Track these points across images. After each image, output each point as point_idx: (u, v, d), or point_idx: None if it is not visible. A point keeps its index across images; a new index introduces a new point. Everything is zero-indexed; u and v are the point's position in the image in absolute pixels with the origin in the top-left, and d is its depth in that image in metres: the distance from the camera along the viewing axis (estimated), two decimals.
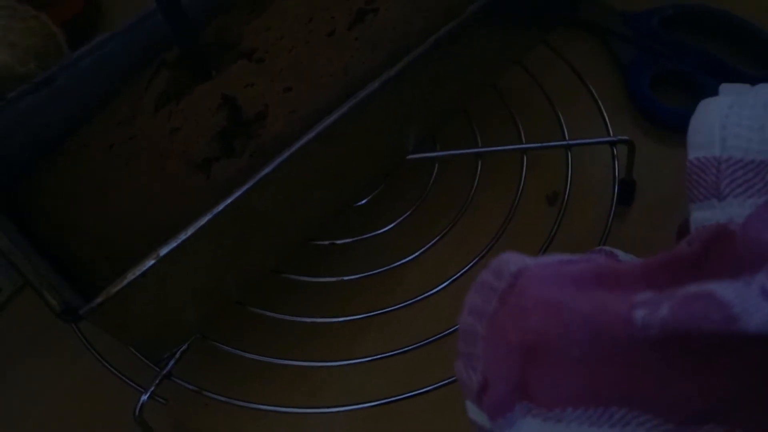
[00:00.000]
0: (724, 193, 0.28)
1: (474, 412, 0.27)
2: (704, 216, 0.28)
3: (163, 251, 0.29)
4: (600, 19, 0.52)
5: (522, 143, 0.43)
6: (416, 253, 0.41)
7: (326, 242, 0.41)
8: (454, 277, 0.40)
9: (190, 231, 0.30)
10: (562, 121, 0.44)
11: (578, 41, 0.52)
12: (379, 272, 0.40)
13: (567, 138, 0.43)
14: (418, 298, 0.39)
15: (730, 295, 0.20)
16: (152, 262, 0.29)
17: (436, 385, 0.36)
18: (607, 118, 0.43)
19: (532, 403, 0.25)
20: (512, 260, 0.25)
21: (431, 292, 0.39)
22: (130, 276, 0.29)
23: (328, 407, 0.36)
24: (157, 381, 0.36)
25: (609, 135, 0.43)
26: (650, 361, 0.24)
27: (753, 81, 0.46)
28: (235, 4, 0.40)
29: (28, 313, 0.43)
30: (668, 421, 0.24)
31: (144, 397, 0.35)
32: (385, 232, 0.42)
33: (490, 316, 0.25)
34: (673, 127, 0.47)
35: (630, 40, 0.51)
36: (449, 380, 0.36)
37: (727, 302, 0.20)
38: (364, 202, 0.42)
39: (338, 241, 0.41)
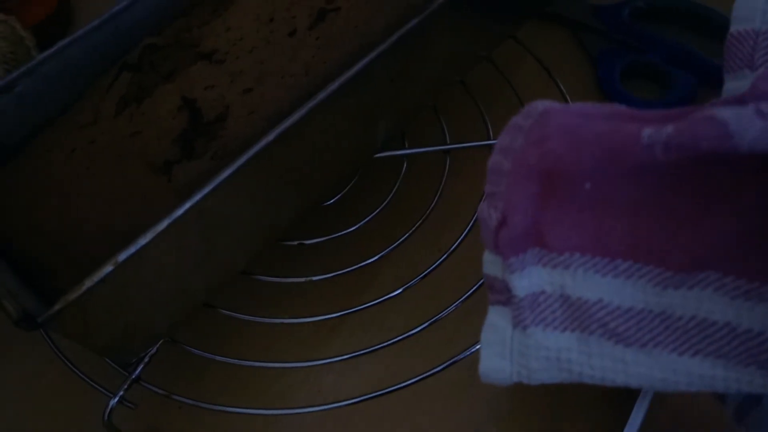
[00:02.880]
0: (758, 63, 0.29)
1: (489, 262, 0.28)
2: (736, 86, 0.30)
3: (122, 257, 0.29)
4: (570, 11, 0.52)
5: (490, 139, 0.43)
6: (386, 250, 0.41)
7: (295, 242, 0.41)
8: (425, 273, 0.40)
9: (149, 236, 0.30)
10: None
11: (548, 34, 0.52)
12: (349, 271, 0.40)
13: None
14: (390, 295, 0.39)
15: (728, 114, 0.22)
16: (110, 268, 0.29)
17: (409, 382, 0.36)
18: None
19: (544, 248, 0.27)
20: (541, 103, 0.26)
21: (402, 288, 0.39)
22: (88, 283, 0.29)
23: (300, 408, 0.36)
24: (125, 386, 0.36)
25: None
26: (655, 204, 0.25)
27: (721, 72, 0.46)
28: (196, 4, 0.40)
29: None
30: (668, 269, 0.26)
31: (113, 402, 0.35)
32: (354, 230, 0.41)
33: (516, 150, 0.26)
34: None
35: (600, 32, 0.51)
36: (422, 376, 0.36)
37: (724, 120, 0.22)
38: (332, 201, 0.42)
39: (307, 242, 0.41)
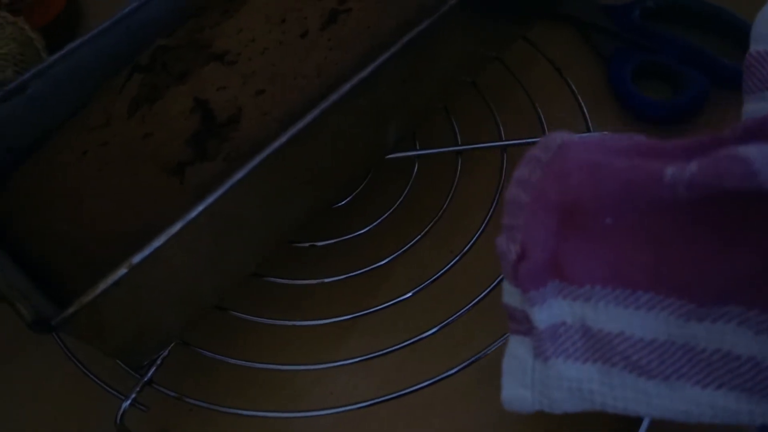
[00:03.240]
0: None
1: (508, 292, 0.28)
2: (755, 108, 0.29)
3: (136, 260, 0.29)
4: (581, 12, 0.52)
5: (502, 140, 0.43)
6: (398, 252, 0.40)
7: (306, 244, 0.41)
8: (438, 275, 0.39)
9: (162, 239, 0.30)
10: (542, 116, 0.44)
11: (559, 35, 0.51)
12: (361, 273, 0.40)
13: (547, 133, 0.42)
14: (402, 297, 0.39)
15: (752, 153, 0.22)
16: (124, 271, 0.29)
17: (422, 384, 0.36)
18: (586, 113, 0.43)
19: (564, 281, 0.27)
20: (559, 135, 0.27)
21: (415, 290, 0.39)
22: (102, 285, 0.29)
23: (313, 411, 0.36)
24: (137, 388, 0.36)
25: (589, 130, 0.42)
26: (677, 237, 0.25)
27: (733, 71, 0.46)
28: (208, 5, 0.40)
29: (9, 321, 0.42)
30: (691, 302, 0.26)
31: (125, 405, 0.35)
32: (366, 232, 0.41)
33: (535, 184, 0.26)
34: (655, 118, 0.46)
35: (611, 33, 0.51)
36: (436, 379, 0.36)
37: (748, 158, 0.22)
38: (344, 202, 0.42)
39: (319, 243, 0.41)
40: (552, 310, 0.27)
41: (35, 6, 0.56)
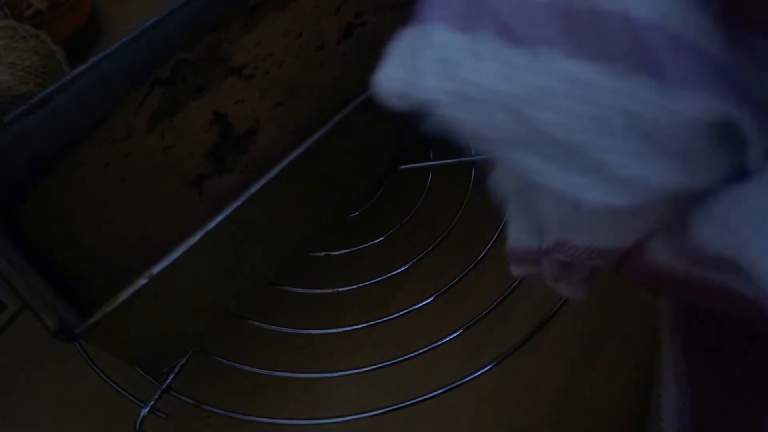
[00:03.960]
0: None
1: None
2: None
3: (156, 270, 0.30)
4: None
5: None
6: (412, 262, 0.41)
7: (322, 254, 0.41)
8: (451, 284, 0.40)
9: (181, 249, 0.30)
10: None
11: None
12: (375, 282, 0.41)
13: None
14: (416, 306, 0.40)
15: None
16: (145, 281, 0.30)
17: (435, 393, 0.36)
18: None
19: None
20: None
21: (428, 300, 0.40)
22: (124, 295, 0.29)
23: (328, 418, 0.36)
24: (156, 395, 0.36)
25: None
26: None
27: None
28: (228, 19, 0.41)
29: (32, 330, 0.43)
30: None
31: (144, 411, 0.36)
32: (380, 242, 0.42)
33: None
34: None
35: None
36: (449, 387, 0.36)
37: None
38: (359, 212, 0.43)
39: (334, 253, 0.41)
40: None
41: (57, 19, 0.57)
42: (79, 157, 0.37)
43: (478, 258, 0.40)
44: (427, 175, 0.44)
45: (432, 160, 0.44)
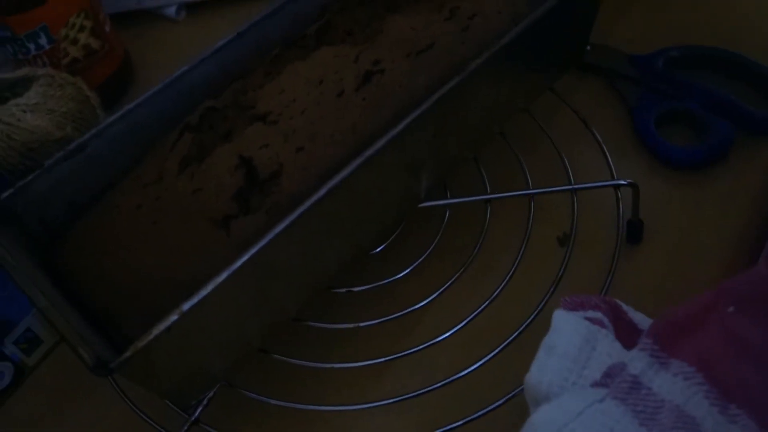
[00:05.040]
0: None
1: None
2: None
3: (186, 307, 0.32)
4: (606, 62, 0.54)
5: (529, 188, 0.45)
6: (431, 297, 0.42)
7: (344, 290, 0.43)
8: (469, 319, 0.41)
9: (210, 287, 0.32)
10: (568, 165, 0.45)
11: (585, 84, 0.54)
12: (396, 317, 0.42)
13: (572, 182, 0.44)
14: (435, 340, 0.41)
15: None
16: (175, 317, 0.31)
17: (455, 424, 0.37)
18: (611, 161, 0.45)
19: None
20: None
21: (447, 333, 0.41)
22: (155, 331, 0.31)
23: None
24: (185, 427, 0.38)
25: (613, 178, 0.44)
26: None
27: (756, 117, 0.48)
28: (253, 67, 0.43)
29: (67, 363, 0.45)
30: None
31: None
32: (400, 277, 0.43)
33: None
34: (679, 164, 0.48)
35: (636, 81, 0.53)
36: (469, 419, 0.37)
37: None
38: (379, 249, 0.44)
39: (355, 288, 0.43)
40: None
41: (92, 66, 0.60)
42: (113, 199, 0.39)
43: (496, 292, 0.41)
44: (445, 212, 0.45)
45: (449, 198, 0.45)
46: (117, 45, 0.62)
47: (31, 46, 0.56)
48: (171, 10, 0.69)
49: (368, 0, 0.44)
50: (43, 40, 0.56)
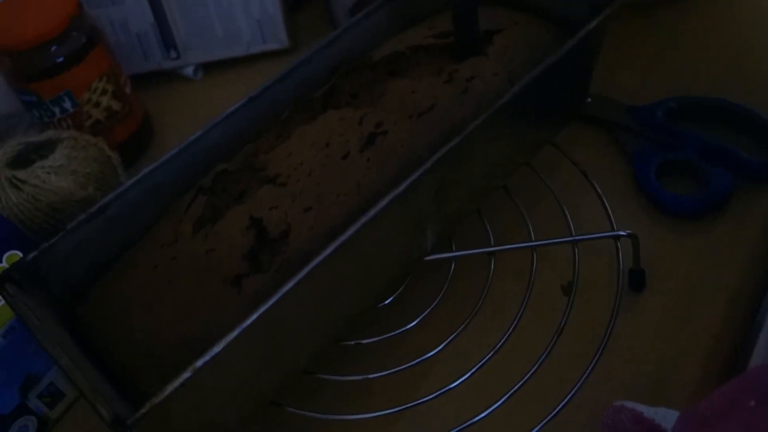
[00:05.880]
0: None
1: None
2: None
3: (199, 364, 0.33)
4: (608, 114, 0.56)
5: (531, 240, 0.46)
6: (438, 348, 0.43)
7: (352, 342, 0.44)
8: (476, 368, 0.42)
9: (221, 345, 0.34)
10: (569, 216, 0.47)
11: (586, 135, 0.55)
12: (405, 368, 0.43)
13: (573, 233, 0.46)
14: (443, 389, 0.42)
15: None
16: (189, 374, 0.33)
17: None
18: (611, 213, 0.46)
19: None
20: None
21: (456, 383, 0.42)
22: (170, 388, 0.33)
23: None
24: None
25: (613, 229, 0.45)
26: None
27: (755, 165, 0.49)
28: (263, 131, 0.45)
29: (88, 416, 0.47)
30: None
31: None
32: (408, 329, 0.45)
33: None
34: (679, 213, 0.49)
35: (636, 132, 0.54)
36: None
37: None
38: (387, 302, 0.46)
39: (364, 341, 0.44)
40: None
41: (114, 126, 0.62)
42: (131, 260, 0.41)
43: (501, 341, 0.43)
44: (450, 265, 0.47)
45: (454, 251, 0.47)
46: (137, 105, 0.65)
47: (56, 110, 0.59)
48: (189, 70, 0.72)
49: (373, 65, 0.47)
50: (67, 104, 0.59)
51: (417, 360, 0.43)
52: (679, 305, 0.45)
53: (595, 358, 0.41)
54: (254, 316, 0.34)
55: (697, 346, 0.43)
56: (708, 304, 0.45)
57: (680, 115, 0.55)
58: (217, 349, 0.34)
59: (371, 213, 0.38)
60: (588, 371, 0.41)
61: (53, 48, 0.56)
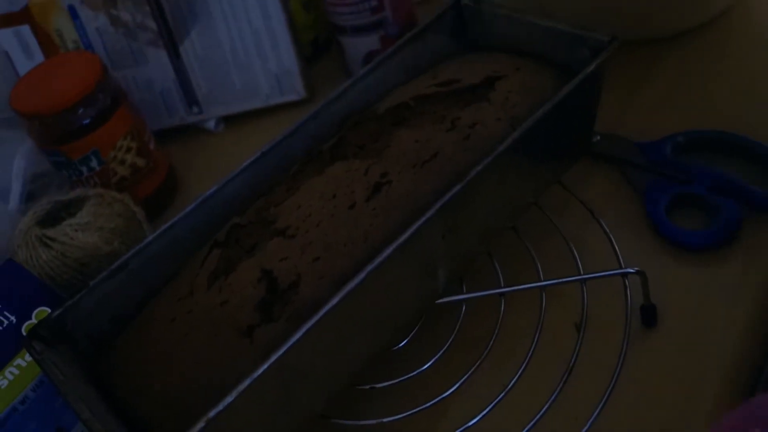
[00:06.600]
0: None
1: None
2: None
3: (212, 414, 0.35)
4: (616, 151, 0.57)
5: (540, 280, 0.47)
6: (451, 389, 0.44)
7: (367, 386, 0.45)
8: (490, 408, 0.43)
9: (234, 395, 0.35)
10: (577, 255, 0.47)
11: (595, 172, 0.56)
12: (418, 410, 0.44)
13: (582, 272, 0.46)
14: (458, 431, 0.43)
15: None
16: (203, 424, 0.34)
17: None
18: (618, 250, 0.47)
19: None
20: None
21: (470, 423, 0.43)
22: None
23: None
24: None
25: (621, 266, 0.46)
26: None
27: (764, 197, 0.49)
28: (275, 184, 0.47)
29: None
30: None
31: None
32: (421, 372, 0.45)
33: None
34: (690, 248, 0.49)
35: (645, 167, 0.55)
36: None
37: None
38: (401, 345, 0.47)
39: (378, 385, 0.45)
40: None
41: (139, 181, 0.65)
42: (150, 313, 0.43)
43: (513, 381, 0.43)
44: (462, 307, 0.48)
45: (465, 293, 0.48)
46: (162, 160, 0.68)
47: (84, 169, 0.61)
48: (211, 124, 0.75)
49: (378, 117, 0.48)
50: (94, 163, 0.61)
51: (430, 402, 0.44)
52: (691, 339, 0.45)
53: (606, 395, 0.41)
54: (265, 366, 0.36)
55: (709, 382, 0.43)
56: (720, 339, 0.45)
57: (689, 149, 0.55)
58: (230, 398, 0.35)
59: (377, 261, 0.39)
60: (599, 408, 0.41)
61: (80, 110, 0.59)
